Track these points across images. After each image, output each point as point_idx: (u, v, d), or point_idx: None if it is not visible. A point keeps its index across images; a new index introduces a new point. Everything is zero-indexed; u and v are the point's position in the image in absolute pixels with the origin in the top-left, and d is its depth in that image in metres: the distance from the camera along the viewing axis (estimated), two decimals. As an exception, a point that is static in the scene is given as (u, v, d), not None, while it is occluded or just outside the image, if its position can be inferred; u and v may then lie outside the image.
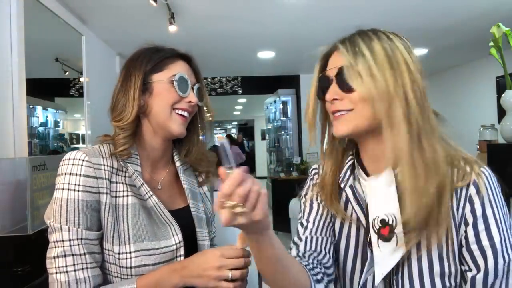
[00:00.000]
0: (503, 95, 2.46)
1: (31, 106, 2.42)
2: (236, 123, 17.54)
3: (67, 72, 3.09)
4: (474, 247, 0.72)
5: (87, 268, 0.84)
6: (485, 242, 0.72)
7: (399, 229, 0.74)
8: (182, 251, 0.92)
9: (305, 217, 0.91)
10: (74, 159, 0.87)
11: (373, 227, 0.78)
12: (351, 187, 0.84)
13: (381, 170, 0.79)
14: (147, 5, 2.80)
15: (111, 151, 0.92)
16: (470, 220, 0.73)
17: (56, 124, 2.86)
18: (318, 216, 0.89)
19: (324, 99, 0.82)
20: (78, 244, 0.84)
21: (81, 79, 3.16)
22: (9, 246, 1.61)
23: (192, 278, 0.83)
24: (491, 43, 2.36)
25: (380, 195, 0.78)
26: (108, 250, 0.88)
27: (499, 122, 3.17)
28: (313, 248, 0.85)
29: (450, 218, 0.73)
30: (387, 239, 0.75)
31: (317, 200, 0.91)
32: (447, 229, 0.73)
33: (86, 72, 3.18)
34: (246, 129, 16.85)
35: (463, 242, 0.74)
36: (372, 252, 0.78)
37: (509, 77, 2.38)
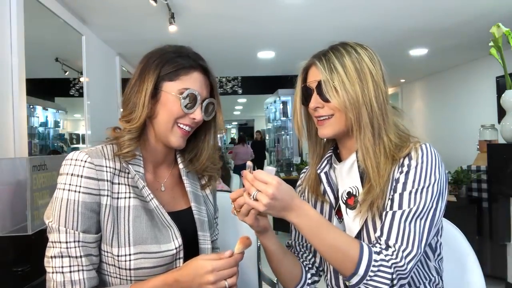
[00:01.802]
0: (503, 95, 2.46)
1: (31, 106, 2.42)
2: (236, 123, 17.55)
3: (67, 72, 3.09)
4: (390, 195, 0.91)
5: (82, 270, 0.84)
6: (398, 192, 0.89)
7: (361, 197, 0.93)
8: (181, 254, 0.92)
9: None
10: (76, 159, 0.87)
11: (341, 199, 0.99)
12: (325, 173, 1.04)
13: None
14: (147, 5, 2.80)
15: (115, 151, 0.92)
16: (397, 178, 0.91)
17: (56, 124, 2.87)
18: None
19: (307, 105, 0.99)
20: (75, 247, 0.84)
21: (81, 79, 3.16)
22: (9, 246, 1.61)
23: None
24: (491, 43, 2.37)
25: (346, 173, 0.99)
26: (107, 252, 0.88)
27: (499, 122, 3.17)
28: (299, 238, 1.12)
29: (388, 182, 0.92)
30: (352, 207, 0.96)
31: (303, 194, 1.12)
32: (386, 193, 0.92)
33: (86, 72, 3.18)
34: (246, 129, 16.86)
35: (390, 193, 0.92)
36: (338, 220, 1.00)
37: (509, 77, 2.38)
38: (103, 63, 3.86)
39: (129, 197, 0.90)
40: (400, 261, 0.82)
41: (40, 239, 1.63)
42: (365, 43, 1.00)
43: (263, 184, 0.81)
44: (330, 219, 1.02)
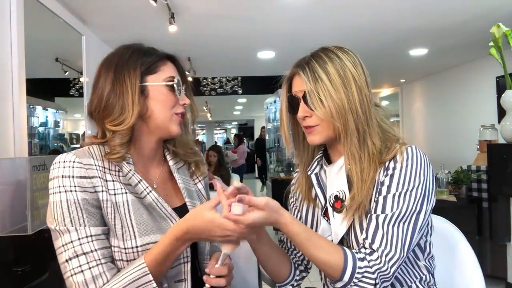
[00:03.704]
0: (503, 95, 2.46)
1: (31, 106, 2.42)
2: (236, 123, 17.55)
3: (67, 72, 3.09)
4: (375, 198, 0.92)
5: (101, 263, 0.84)
6: (383, 194, 0.91)
7: (347, 202, 0.95)
8: None
9: (288, 209, 1.17)
10: (64, 161, 0.87)
11: (329, 202, 1.00)
12: (315, 174, 1.05)
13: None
14: (147, 5, 2.80)
15: (103, 153, 0.91)
16: (382, 181, 0.93)
17: (56, 124, 2.86)
18: (296, 209, 1.15)
19: (294, 114, 1.01)
20: (88, 242, 0.83)
21: (81, 79, 3.16)
22: (9, 246, 1.61)
23: (198, 239, 0.87)
24: (491, 43, 2.37)
25: (335, 176, 1.00)
26: (115, 246, 0.88)
27: (499, 122, 3.17)
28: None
29: (372, 186, 0.93)
30: (339, 210, 0.97)
31: (296, 192, 1.15)
32: (370, 196, 0.93)
33: (86, 72, 3.18)
34: (246, 129, 16.84)
35: (375, 196, 0.94)
36: (327, 221, 1.01)
37: (509, 77, 2.38)
38: (103, 63, 3.86)
39: (126, 193, 0.91)
40: (384, 265, 0.85)
41: (40, 239, 1.63)
42: (357, 45, 1.02)
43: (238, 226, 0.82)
44: (318, 220, 1.05)
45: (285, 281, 1.06)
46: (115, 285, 0.81)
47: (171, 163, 1.05)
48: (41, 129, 2.61)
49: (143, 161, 1.00)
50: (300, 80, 0.97)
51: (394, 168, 0.92)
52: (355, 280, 0.85)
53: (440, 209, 2.95)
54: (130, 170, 0.92)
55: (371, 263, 0.86)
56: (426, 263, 1.02)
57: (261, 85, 6.75)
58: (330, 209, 1.00)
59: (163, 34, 3.45)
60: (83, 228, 0.84)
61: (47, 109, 2.75)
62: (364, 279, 0.85)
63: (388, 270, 0.85)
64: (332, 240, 0.98)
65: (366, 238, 0.89)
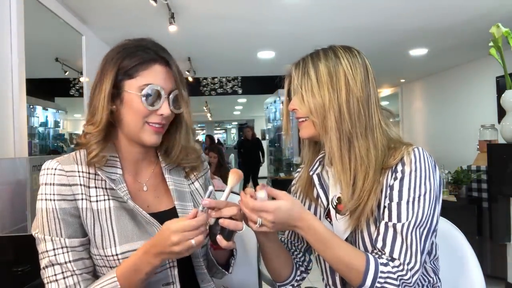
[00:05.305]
0: (503, 95, 2.46)
1: (31, 106, 2.42)
2: (236, 123, 17.54)
3: (67, 72, 3.09)
4: (386, 203, 0.90)
5: (75, 274, 0.84)
6: (395, 200, 0.88)
7: (349, 206, 0.92)
8: None
9: None
10: (47, 168, 0.87)
11: (331, 204, 1.00)
12: (317, 174, 1.04)
13: None
14: (147, 5, 2.80)
15: (87, 158, 0.90)
16: (391, 184, 0.90)
17: (56, 124, 2.86)
18: None
19: None
20: (63, 253, 0.84)
21: (81, 79, 3.16)
22: (9, 246, 1.61)
23: (164, 254, 0.81)
24: (491, 43, 2.37)
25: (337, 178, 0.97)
26: (95, 254, 0.88)
27: (499, 122, 3.17)
28: (293, 237, 1.15)
29: (379, 192, 0.91)
30: (342, 213, 0.96)
31: (295, 194, 1.13)
32: (379, 200, 0.91)
33: (86, 72, 3.18)
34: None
35: (385, 200, 0.91)
36: (329, 222, 1.00)
37: (509, 77, 2.38)
38: (103, 63, 3.86)
39: (108, 199, 0.89)
40: (406, 274, 0.84)
41: (40, 239, 1.63)
42: (357, 45, 0.99)
43: (264, 212, 0.83)
44: (321, 220, 1.03)
45: (286, 280, 1.05)
46: None
47: (163, 164, 1.01)
48: (41, 129, 2.61)
49: (133, 162, 0.97)
50: (294, 74, 0.99)
51: (403, 172, 0.89)
52: (378, 285, 0.83)
53: (440, 209, 2.96)
54: (113, 174, 0.91)
55: (394, 269, 0.84)
56: (432, 265, 1.01)
57: (261, 85, 6.75)
58: (332, 211, 0.99)
59: (163, 34, 3.45)
60: (58, 239, 0.84)
61: (47, 109, 2.75)
62: (386, 285, 0.83)
63: (410, 279, 0.84)
64: None
65: (384, 246, 0.87)
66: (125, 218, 0.89)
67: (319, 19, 3.53)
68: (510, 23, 2.62)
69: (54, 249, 0.84)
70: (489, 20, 3.19)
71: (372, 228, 0.91)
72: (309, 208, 1.08)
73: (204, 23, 3.53)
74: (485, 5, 3.22)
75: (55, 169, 0.87)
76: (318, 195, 1.03)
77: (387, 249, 0.86)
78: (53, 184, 0.86)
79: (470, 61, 5.65)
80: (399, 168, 0.90)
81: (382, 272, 0.83)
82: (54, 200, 0.85)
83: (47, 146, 2.73)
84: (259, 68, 5.69)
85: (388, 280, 0.83)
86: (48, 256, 0.84)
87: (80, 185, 0.88)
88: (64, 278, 0.84)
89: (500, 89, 4.87)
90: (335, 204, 0.99)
